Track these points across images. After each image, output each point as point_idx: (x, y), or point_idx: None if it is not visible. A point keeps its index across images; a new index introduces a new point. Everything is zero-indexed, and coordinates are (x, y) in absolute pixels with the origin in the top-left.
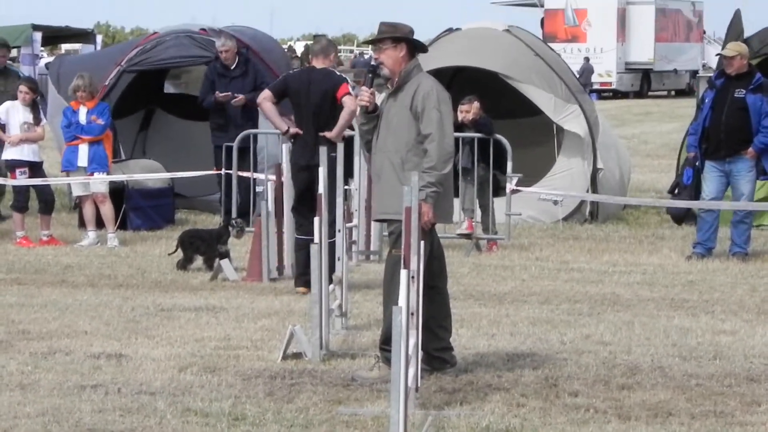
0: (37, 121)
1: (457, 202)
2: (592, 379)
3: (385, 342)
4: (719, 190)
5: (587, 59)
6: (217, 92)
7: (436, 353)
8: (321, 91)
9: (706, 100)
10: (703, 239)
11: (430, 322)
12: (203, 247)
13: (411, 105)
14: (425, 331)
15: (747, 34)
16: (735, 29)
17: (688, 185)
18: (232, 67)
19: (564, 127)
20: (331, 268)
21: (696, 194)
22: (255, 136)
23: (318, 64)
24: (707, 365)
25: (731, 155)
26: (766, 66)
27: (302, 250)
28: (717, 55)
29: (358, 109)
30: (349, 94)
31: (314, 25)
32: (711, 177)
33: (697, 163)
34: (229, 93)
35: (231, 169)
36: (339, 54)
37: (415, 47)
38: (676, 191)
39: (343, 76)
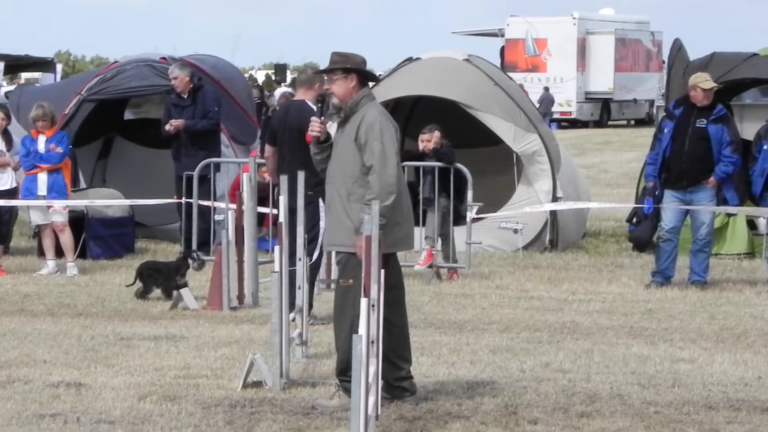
0: (8, 147)
1: (418, 231)
2: (552, 406)
3: (342, 372)
4: (678, 219)
5: (546, 89)
6: (170, 122)
7: (396, 383)
8: (292, 128)
9: (665, 130)
10: (662, 268)
11: (389, 353)
12: (161, 279)
13: (356, 136)
14: (384, 361)
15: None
16: (682, 59)
17: (649, 215)
18: (185, 96)
19: (523, 155)
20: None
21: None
22: (215, 164)
23: (299, 95)
24: (666, 393)
25: (693, 185)
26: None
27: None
28: (692, 86)
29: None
30: None
31: (276, 54)
32: (671, 207)
33: (656, 192)
34: (180, 120)
35: (190, 197)
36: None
37: (366, 77)
38: (635, 220)
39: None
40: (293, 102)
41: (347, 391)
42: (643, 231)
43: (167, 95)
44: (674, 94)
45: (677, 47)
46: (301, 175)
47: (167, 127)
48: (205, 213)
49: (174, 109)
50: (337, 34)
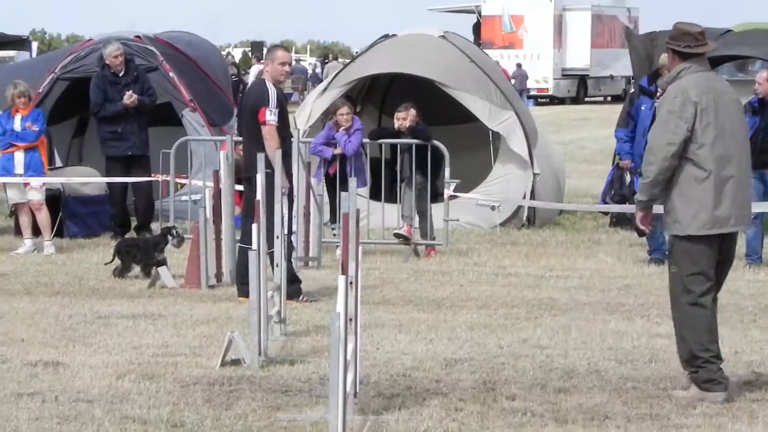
0: None
1: (395, 209)
2: (530, 383)
3: (689, 362)
4: None
5: (519, 65)
6: (127, 94)
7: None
8: (247, 104)
9: (643, 107)
10: (659, 245)
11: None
12: (140, 256)
13: None
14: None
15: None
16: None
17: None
18: (121, 74)
19: (500, 133)
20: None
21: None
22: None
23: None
24: (643, 368)
25: None
26: None
27: (243, 257)
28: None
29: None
30: (264, 123)
31: (254, 32)
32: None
33: (639, 170)
34: (134, 94)
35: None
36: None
37: (682, 51)
38: (608, 199)
39: (269, 92)
40: (255, 81)
41: (694, 381)
42: None
43: (100, 73)
44: (642, 71)
45: (629, 34)
46: (261, 157)
47: (127, 100)
48: (147, 191)
49: (112, 87)
50: (315, 10)
